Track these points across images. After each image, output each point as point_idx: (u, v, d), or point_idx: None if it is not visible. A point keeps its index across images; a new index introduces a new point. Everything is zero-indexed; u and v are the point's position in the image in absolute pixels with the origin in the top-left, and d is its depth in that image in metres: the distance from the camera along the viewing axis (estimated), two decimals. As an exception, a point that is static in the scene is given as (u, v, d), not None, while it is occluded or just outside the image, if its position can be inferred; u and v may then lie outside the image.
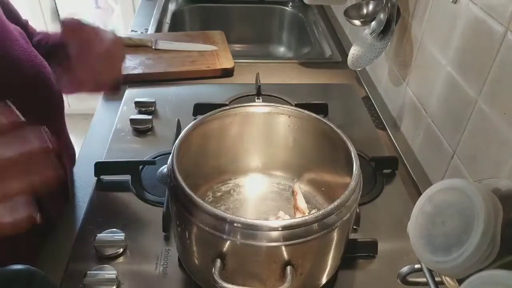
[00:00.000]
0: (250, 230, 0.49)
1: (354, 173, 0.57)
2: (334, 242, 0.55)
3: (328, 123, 0.66)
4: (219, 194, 0.73)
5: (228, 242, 0.50)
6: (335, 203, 0.52)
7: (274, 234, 0.49)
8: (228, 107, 0.69)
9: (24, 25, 0.73)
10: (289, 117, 0.69)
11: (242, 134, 0.72)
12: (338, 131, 0.64)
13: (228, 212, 0.56)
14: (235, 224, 0.49)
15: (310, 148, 0.70)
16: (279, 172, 0.76)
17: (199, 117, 0.66)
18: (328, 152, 0.67)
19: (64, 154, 0.73)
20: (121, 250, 0.66)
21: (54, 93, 0.64)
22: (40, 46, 0.71)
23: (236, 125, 0.70)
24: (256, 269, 0.53)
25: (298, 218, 0.50)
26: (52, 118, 0.68)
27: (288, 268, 0.51)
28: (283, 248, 0.50)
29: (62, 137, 0.74)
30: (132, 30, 1.39)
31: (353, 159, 0.59)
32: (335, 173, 0.67)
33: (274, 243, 0.49)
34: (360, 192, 0.57)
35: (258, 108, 0.70)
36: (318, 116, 0.67)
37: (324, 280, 0.60)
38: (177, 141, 0.60)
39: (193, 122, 0.65)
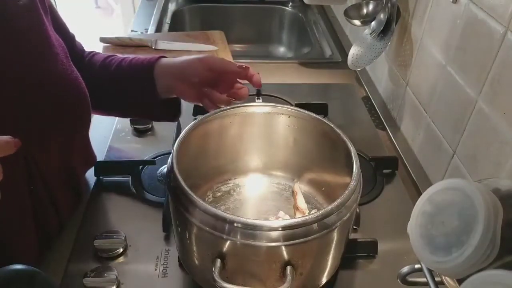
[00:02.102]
0: (250, 230, 0.49)
1: (354, 173, 0.57)
2: (334, 242, 0.55)
3: (328, 123, 0.66)
4: (219, 194, 0.73)
5: (228, 242, 0.50)
6: (335, 203, 0.52)
7: (274, 234, 0.49)
8: (228, 107, 0.69)
9: (71, 39, 0.75)
10: (289, 117, 0.69)
11: (242, 134, 0.72)
12: (338, 131, 0.64)
13: (228, 212, 0.56)
14: (235, 224, 0.49)
15: (310, 148, 0.70)
16: (279, 172, 0.75)
17: (199, 117, 0.66)
18: (328, 152, 0.67)
19: (82, 159, 0.75)
20: (121, 250, 0.66)
21: (87, 107, 0.67)
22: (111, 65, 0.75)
23: (236, 125, 0.70)
24: (256, 269, 0.53)
25: (298, 218, 0.50)
26: (81, 130, 0.70)
27: (288, 268, 0.51)
28: (283, 248, 0.50)
29: (88, 144, 0.76)
30: (132, 30, 1.39)
31: (353, 159, 0.59)
32: (335, 173, 0.67)
33: (274, 243, 0.49)
34: (360, 192, 0.57)
35: (258, 108, 0.70)
36: (318, 116, 0.67)
37: (324, 280, 0.60)
38: (177, 141, 0.60)
39: (193, 122, 0.65)
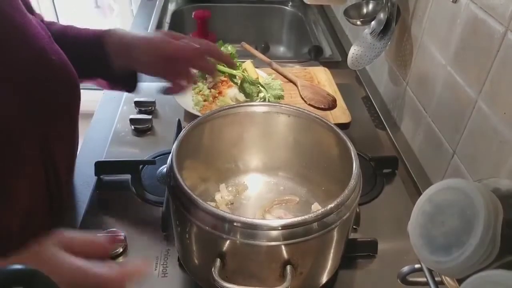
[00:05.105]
0: (250, 229, 0.49)
1: (354, 172, 0.57)
2: (334, 242, 0.55)
3: (328, 123, 0.66)
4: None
5: (228, 242, 0.50)
6: (335, 202, 0.52)
7: (274, 233, 0.49)
8: (228, 107, 0.69)
9: (41, 19, 0.73)
10: (289, 116, 0.69)
11: (242, 134, 0.72)
12: (338, 131, 0.64)
13: (227, 212, 0.56)
14: (235, 224, 0.50)
15: (310, 148, 0.70)
16: (279, 172, 0.75)
17: (199, 117, 0.66)
18: (328, 152, 0.67)
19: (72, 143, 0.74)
20: (121, 250, 0.66)
21: (76, 87, 0.67)
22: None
23: (236, 125, 0.70)
24: (256, 269, 0.53)
25: (298, 217, 0.50)
26: (72, 113, 0.69)
27: (288, 267, 0.51)
28: (283, 248, 0.50)
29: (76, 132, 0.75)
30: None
31: (353, 159, 0.59)
32: (335, 173, 0.67)
33: (273, 242, 0.49)
34: (360, 192, 0.57)
35: (258, 107, 0.70)
36: (318, 116, 0.67)
37: (324, 279, 0.60)
38: (177, 141, 0.60)
39: (193, 122, 0.65)
